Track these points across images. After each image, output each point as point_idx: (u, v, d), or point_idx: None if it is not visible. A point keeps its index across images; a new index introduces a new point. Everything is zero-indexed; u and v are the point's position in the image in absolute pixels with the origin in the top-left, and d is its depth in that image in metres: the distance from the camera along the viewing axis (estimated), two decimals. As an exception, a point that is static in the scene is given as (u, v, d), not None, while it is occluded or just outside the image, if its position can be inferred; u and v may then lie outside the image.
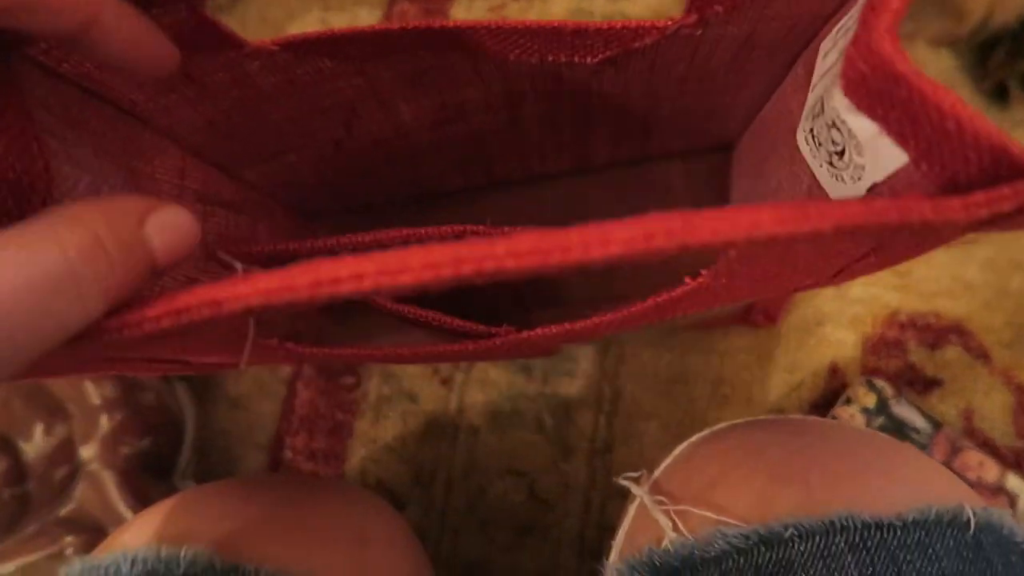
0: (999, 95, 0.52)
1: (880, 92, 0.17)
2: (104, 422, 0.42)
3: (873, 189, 0.22)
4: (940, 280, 0.47)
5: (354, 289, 0.14)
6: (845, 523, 0.24)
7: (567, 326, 0.26)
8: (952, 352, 0.46)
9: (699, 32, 0.26)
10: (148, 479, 0.42)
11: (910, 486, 0.26)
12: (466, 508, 0.45)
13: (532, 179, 0.45)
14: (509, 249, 0.14)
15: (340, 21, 0.57)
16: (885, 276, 0.48)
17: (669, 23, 0.26)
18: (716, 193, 0.43)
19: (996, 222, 0.16)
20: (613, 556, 0.30)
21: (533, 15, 0.56)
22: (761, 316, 0.46)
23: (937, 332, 0.46)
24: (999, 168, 0.16)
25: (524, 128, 0.38)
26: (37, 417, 0.41)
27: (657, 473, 0.31)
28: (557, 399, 0.47)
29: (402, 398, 0.47)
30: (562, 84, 0.33)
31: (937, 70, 0.52)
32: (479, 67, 0.31)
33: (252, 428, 0.48)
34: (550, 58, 0.30)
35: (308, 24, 0.57)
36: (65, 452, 0.41)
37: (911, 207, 0.15)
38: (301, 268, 0.14)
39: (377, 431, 0.47)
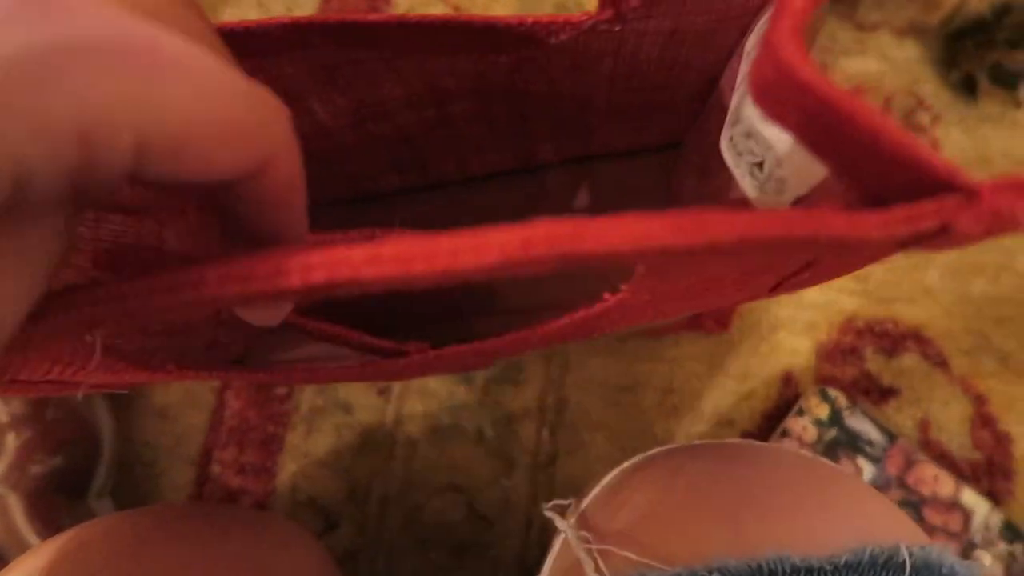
0: (967, 88, 0.50)
1: (788, 101, 0.15)
2: (11, 440, 0.39)
3: (799, 203, 0.20)
4: (899, 285, 0.45)
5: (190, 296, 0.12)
6: (773, 567, 0.22)
7: (477, 345, 0.24)
8: (910, 360, 0.44)
9: (617, 28, 0.23)
10: (60, 500, 0.40)
11: (846, 523, 0.24)
12: (402, 526, 0.43)
13: (472, 179, 0.42)
14: (368, 256, 0.12)
15: (278, 7, 0.54)
16: (842, 280, 0.46)
17: (584, 18, 0.23)
18: (666, 192, 0.41)
19: (923, 241, 0.14)
20: None
21: (500, 9, 0.53)
22: (711, 322, 0.44)
23: (895, 339, 0.45)
24: (923, 184, 0.14)
25: (456, 127, 0.35)
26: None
27: (586, 503, 0.29)
28: (499, 410, 0.44)
29: (336, 410, 0.45)
30: (485, 82, 0.30)
31: (902, 60, 0.50)
32: (394, 64, 0.29)
33: (179, 440, 0.46)
34: (464, 55, 0.27)
35: (244, 9, 0.53)
36: (-33, 472, 0.39)
37: (824, 221, 0.13)
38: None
39: (309, 445, 0.45)
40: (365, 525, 0.43)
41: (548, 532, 0.42)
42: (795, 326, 0.45)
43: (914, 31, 0.51)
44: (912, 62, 0.50)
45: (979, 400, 0.43)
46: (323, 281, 0.12)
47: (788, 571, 0.22)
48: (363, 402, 0.45)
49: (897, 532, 0.25)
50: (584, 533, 0.27)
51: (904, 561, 0.23)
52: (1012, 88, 0.49)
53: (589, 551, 0.26)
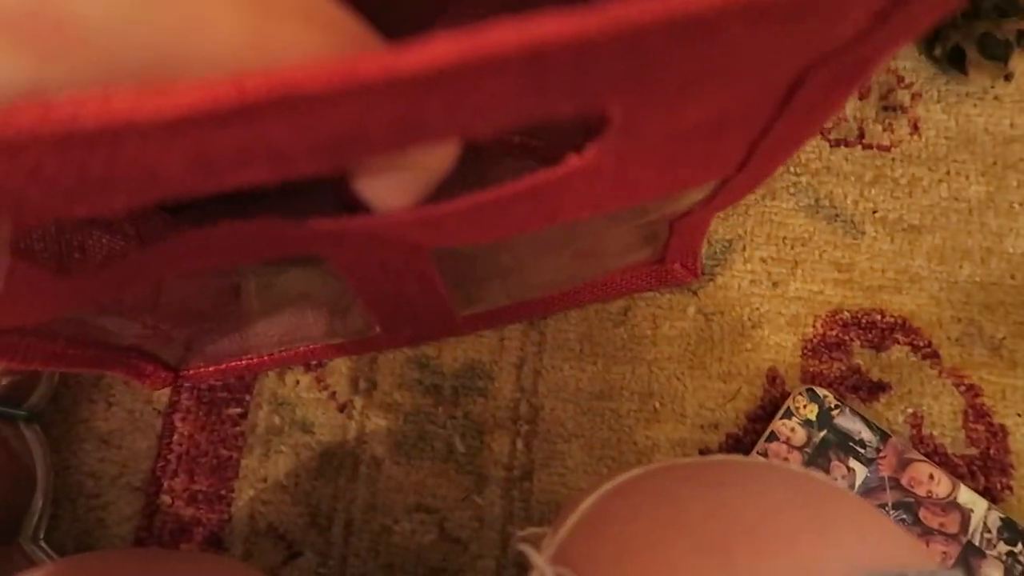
0: (955, 62, 0.47)
1: None
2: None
3: None
4: (885, 272, 0.43)
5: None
6: None
7: (425, 211, 0.20)
8: (898, 352, 0.42)
9: None
10: (-12, 543, 0.36)
11: (845, 549, 0.22)
12: (369, 551, 0.40)
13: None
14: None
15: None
16: (826, 270, 0.43)
17: None
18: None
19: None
20: None
21: None
22: (679, 267, 0.40)
23: (882, 331, 0.42)
24: None
25: None
26: None
27: (562, 533, 0.26)
28: (469, 421, 0.42)
29: (295, 429, 0.42)
30: None
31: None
32: None
33: (125, 468, 0.42)
34: None
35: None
36: None
37: None
38: None
39: (267, 468, 0.41)
40: (329, 552, 0.40)
41: (525, 555, 0.40)
42: (778, 320, 0.43)
43: None
44: (890, 38, 0.48)
45: (972, 391, 0.41)
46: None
47: None
48: (323, 419, 0.42)
49: (900, 556, 0.22)
50: (562, 570, 0.24)
51: None
52: (1003, 60, 0.47)
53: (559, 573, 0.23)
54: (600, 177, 0.20)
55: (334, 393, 0.42)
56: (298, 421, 0.42)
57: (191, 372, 0.41)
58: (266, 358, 0.41)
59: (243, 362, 0.41)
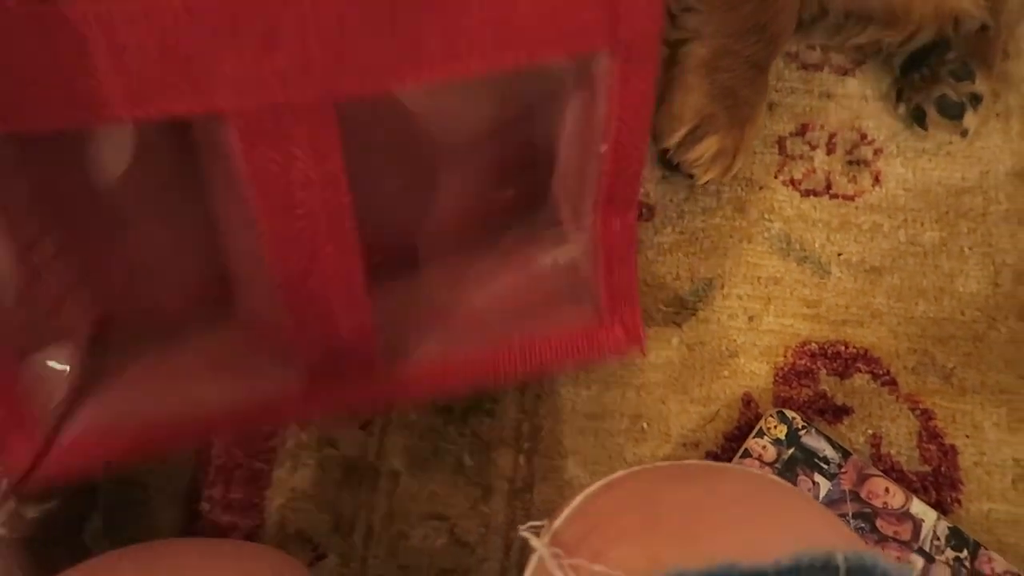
0: (917, 119, 0.53)
1: None
2: (5, 486, 0.41)
3: None
4: (848, 308, 0.49)
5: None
6: (725, 573, 0.25)
7: None
8: (860, 379, 0.47)
9: None
10: (54, 543, 0.41)
11: (791, 533, 0.27)
12: (387, 554, 0.45)
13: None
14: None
15: None
16: (796, 306, 0.49)
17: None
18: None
19: None
20: None
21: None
22: (619, 331, 0.37)
23: (846, 360, 0.48)
24: None
25: None
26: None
27: (557, 523, 0.31)
28: (477, 439, 0.47)
29: (321, 444, 0.47)
30: None
31: (844, 97, 0.54)
32: None
33: (169, 479, 0.47)
34: None
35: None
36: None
37: None
38: None
39: (295, 479, 0.46)
40: (351, 555, 0.45)
41: (526, 554, 0.44)
42: (753, 351, 0.48)
43: (870, 51, 0.55)
44: (854, 99, 0.54)
45: (925, 415, 0.46)
46: None
47: None
48: (347, 437, 0.47)
49: (835, 540, 0.27)
50: (557, 550, 0.29)
51: (839, 565, 0.25)
52: (958, 118, 0.53)
53: (562, 566, 0.28)
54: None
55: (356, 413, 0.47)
56: (324, 438, 0.47)
57: (67, 444, 0.33)
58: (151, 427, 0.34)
59: (127, 435, 0.34)
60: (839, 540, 0.27)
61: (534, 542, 0.30)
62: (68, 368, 0.34)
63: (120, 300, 0.36)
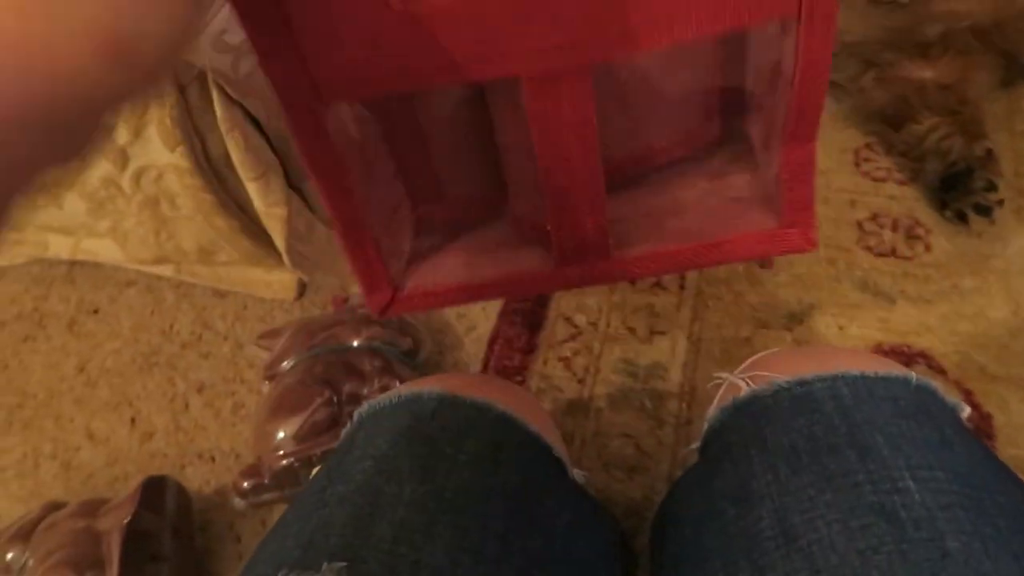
0: (961, 219, 0.78)
1: None
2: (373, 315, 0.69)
3: None
4: (910, 324, 0.72)
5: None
6: (843, 373, 0.38)
7: None
8: (919, 368, 0.69)
9: None
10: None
11: (881, 363, 0.41)
12: (595, 458, 0.69)
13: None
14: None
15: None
16: (872, 322, 0.72)
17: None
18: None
19: None
20: (710, 411, 0.46)
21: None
22: (796, 232, 0.44)
23: (909, 356, 0.70)
24: None
25: None
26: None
27: (735, 373, 0.54)
28: (654, 391, 0.71)
29: (552, 391, 0.73)
30: None
31: (903, 199, 0.80)
32: None
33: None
34: None
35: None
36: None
37: None
38: None
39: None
40: (572, 457, 0.69)
41: (687, 463, 0.67)
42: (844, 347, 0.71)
43: (911, 180, 0.81)
44: (910, 200, 0.80)
45: (967, 393, 0.68)
46: None
47: (853, 376, 0.38)
48: (568, 386, 0.73)
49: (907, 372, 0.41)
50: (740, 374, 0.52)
51: (912, 381, 0.39)
52: (989, 215, 0.77)
53: (743, 379, 0.51)
54: None
55: (575, 372, 0.73)
56: (555, 387, 0.73)
57: (405, 294, 0.47)
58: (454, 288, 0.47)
59: (439, 291, 0.47)
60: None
61: (723, 374, 0.53)
62: (405, 249, 0.50)
63: (433, 203, 0.52)
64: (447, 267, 0.48)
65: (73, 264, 0.89)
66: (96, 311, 0.85)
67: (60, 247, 0.86)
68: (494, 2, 0.33)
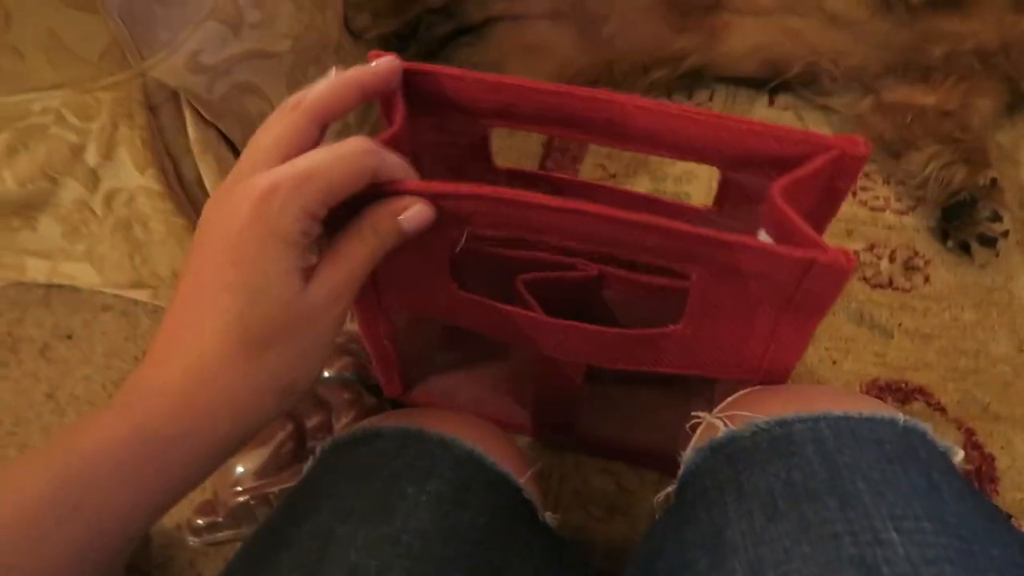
0: (964, 250, 0.75)
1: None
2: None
3: None
4: (908, 359, 0.69)
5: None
6: (826, 414, 0.37)
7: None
8: (918, 405, 0.66)
9: None
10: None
11: (867, 404, 0.39)
12: (572, 493, 0.65)
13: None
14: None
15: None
16: (868, 357, 0.69)
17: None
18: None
19: (807, 276, 0.37)
20: (686, 452, 0.44)
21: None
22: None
23: (906, 392, 0.67)
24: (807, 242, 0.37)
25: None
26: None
27: (714, 412, 0.52)
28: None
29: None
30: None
31: (902, 229, 0.78)
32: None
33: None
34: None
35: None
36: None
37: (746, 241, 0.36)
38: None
39: (515, 444, 0.69)
40: (548, 492, 0.66)
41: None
42: (836, 385, 0.68)
43: (911, 210, 0.79)
44: (909, 230, 0.78)
45: (968, 432, 0.64)
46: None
47: (833, 416, 0.36)
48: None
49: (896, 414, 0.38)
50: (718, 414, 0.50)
51: (899, 422, 0.36)
52: (993, 246, 0.74)
53: (721, 419, 0.48)
54: (682, 341, 0.42)
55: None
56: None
57: (413, 394, 0.61)
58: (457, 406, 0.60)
59: (444, 404, 0.60)
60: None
61: (702, 415, 0.50)
62: (423, 361, 0.61)
63: (447, 350, 0.64)
64: (454, 390, 0.61)
65: (50, 288, 0.87)
66: (70, 336, 0.83)
67: (38, 271, 0.84)
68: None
